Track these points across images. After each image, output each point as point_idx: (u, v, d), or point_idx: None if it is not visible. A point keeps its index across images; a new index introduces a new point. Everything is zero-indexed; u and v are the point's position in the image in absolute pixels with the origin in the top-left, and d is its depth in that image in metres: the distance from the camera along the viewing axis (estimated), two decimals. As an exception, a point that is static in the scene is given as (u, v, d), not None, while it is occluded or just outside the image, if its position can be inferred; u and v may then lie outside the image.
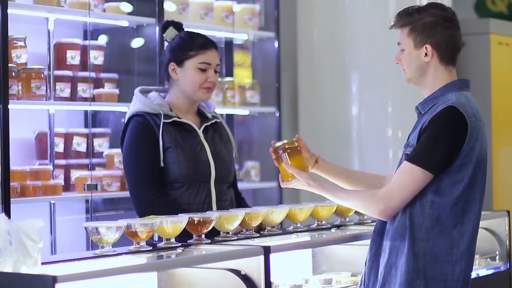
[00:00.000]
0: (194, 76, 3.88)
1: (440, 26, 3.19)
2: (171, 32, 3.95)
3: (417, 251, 3.13)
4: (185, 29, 3.99)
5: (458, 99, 3.15)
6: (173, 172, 3.82)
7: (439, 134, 3.09)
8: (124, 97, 4.91)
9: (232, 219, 3.41)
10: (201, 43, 3.91)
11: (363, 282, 3.32)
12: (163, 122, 3.83)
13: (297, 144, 3.42)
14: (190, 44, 3.89)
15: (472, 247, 3.18)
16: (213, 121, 4.02)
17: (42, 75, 4.52)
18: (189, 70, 3.88)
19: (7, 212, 4.14)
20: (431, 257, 3.13)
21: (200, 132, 3.94)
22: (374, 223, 3.34)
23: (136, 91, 3.95)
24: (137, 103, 3.90)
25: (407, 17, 3.24)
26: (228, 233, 3.44)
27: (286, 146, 3.40)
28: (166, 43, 3.99)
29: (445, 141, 3.08)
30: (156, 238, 3.61)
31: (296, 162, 3.39)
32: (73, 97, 4.75)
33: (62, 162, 4.79)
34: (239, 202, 4.07)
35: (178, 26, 3.97)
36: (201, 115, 4.02)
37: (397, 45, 3.28)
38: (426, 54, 3.20)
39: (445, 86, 3.21)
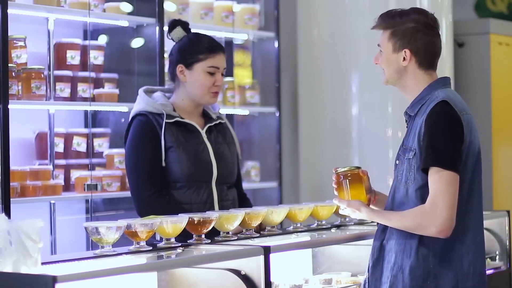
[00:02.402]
0: (202, 80, 3.88)
1: (421, 33, 3.21)
2: (178, 32, 3.95)
3: (426, 253, 3.12)
4: (192, 30, 4.00)
5: (447, 95, 3.17)
6: (174, 172, 3.82)
7: (441, 131, 3.08)
8: (124, 97, 4.91)
9: (232, 219, 3.41)
10: (210, 46, 3.91)
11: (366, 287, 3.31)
12: (166, 122, 3.84)
13: (358, 171, 3.34)
14: (199, 47, 3.89)
15: (477, 237, 3.17)
16: (217, 121, 4.03)
17: (42, 75, 4.51)
18: (198, 73, 3.89)
19: (7, 212, 4.14)
20: (441, 257, 3.12)
21: (203, 132, 3.94)
22: (374, 224, 3.32)
23: (140, 90, 3.96)
24: (141, 103, 3.90)
25: (389, 21, 3.26)
26: (228, 233, 3.44)
27: (348, 173, 3.34)
28: (172, 42, 3.99)
29: (449, 135, 3.07)
30: (157, 238, 3.61)
31: (356, 190, 3.32)
32: (73, 97, 4.75)
33: (62, 162, 4.78)
34: (244, 202, 4.07)
35: (185, 26, 3.97)
36: (206, 116, 4.03)
37: None
38: (404, 59, 3.22)
39: (429, 86, 3.23)
